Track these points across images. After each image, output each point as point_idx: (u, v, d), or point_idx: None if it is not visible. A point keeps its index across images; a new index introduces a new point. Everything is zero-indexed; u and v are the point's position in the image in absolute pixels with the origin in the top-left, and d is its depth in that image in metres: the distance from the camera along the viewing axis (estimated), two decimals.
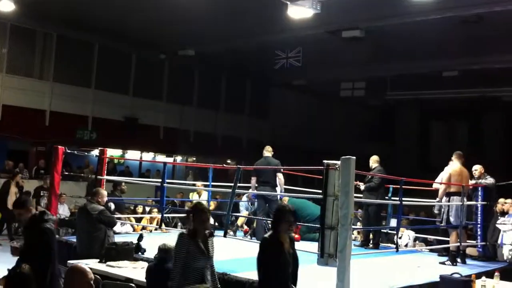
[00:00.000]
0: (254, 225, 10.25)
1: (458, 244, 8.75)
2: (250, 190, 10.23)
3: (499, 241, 9.59)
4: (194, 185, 13.27)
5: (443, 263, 8.65)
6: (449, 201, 8.77)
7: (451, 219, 8.71)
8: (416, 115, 26.92)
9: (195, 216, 4.97)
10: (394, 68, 18.89)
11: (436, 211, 9.67)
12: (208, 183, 10.77)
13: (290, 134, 23.01)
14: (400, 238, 10.28)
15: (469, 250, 9.61)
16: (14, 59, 16.50)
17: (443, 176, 9.59)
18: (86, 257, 6.79)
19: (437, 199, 9.20)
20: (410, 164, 23.66)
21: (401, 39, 15.66)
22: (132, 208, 13.16)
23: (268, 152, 9.84)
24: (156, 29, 16.65)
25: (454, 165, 8.86)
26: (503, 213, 9.65)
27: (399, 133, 27.63)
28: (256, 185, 9.67)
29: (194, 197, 12.31)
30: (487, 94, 19.75)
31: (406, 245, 11.08)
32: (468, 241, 9.52)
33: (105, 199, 7.70)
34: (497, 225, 9.50)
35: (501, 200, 9.79)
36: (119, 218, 9.79)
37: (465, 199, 8.87)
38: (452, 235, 8.83)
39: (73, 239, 8.09)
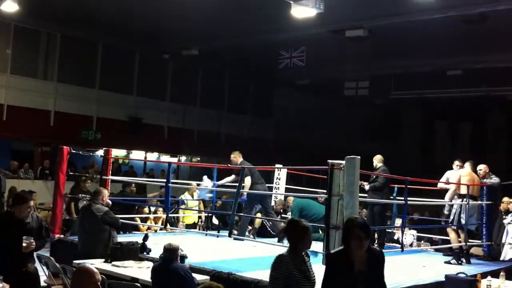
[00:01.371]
0: (255, 224, 10.24)
1: (463, 243, 8.76)
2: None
3: (503, 240, 9.61)
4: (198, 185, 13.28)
5: (448, 262, 8.65)
6: (461, 202, 8.81)
7: (462, 221, 8.73)
8: (420, 114, 26.88)
9: (295, 233, 4.30)
10: (398, 67, 18.85)
11: (446, 212, 9.65)
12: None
13: (293, 133, 23.00)
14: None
15: (474, 250, 9.61)
16: (18, 59, 16.54)
17: (450, 176, 9.62)
18: (89, 257, 6.80)
19: (446, 199, 9.24)
20: (414, 163, 23.63)
21: (404, 38, 15.64)
22: (136, 208, 13.18)
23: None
24: (160, 29, 16.68)
25: (466, 169, 8.96)
26: (508, 212, 9.66)
27: (403, 132, 27.59)
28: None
29: (186, 196, 12.31)
30: (491, 93, 19.67)
31: (411, 245, 11.07)
32: (473, 240, 9.52)
33: (107, 198, 7.71)
34: (507, 224, 9.53)
35: (505, 199, 9.79)
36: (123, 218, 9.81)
37: (475, 201, 8.93)
38: (455, 234, 8.84)
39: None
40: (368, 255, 4.00)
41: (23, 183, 15.16)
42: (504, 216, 9.72)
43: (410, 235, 11.39)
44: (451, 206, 9.15)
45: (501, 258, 9.44)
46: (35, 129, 16.72)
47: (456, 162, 9.51)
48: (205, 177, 10.73)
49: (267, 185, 10.64)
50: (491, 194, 9.53)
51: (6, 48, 16.33)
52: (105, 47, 18.36)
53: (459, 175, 8.90)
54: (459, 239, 8.80)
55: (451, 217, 8.96)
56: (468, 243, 8.80)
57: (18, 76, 16.47)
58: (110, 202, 7.78)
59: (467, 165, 9.23)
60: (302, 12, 11.70)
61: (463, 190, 8.89)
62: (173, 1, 13.61)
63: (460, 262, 8.54)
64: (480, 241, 9.60)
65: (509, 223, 9.55)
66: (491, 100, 20.89)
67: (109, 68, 18.48)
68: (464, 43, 15.64)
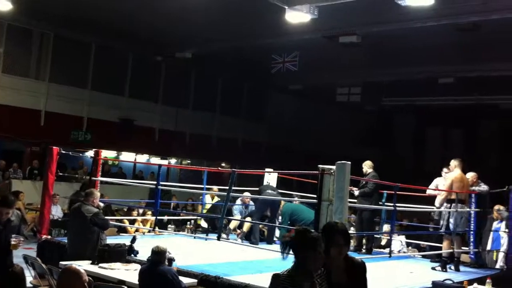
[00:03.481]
0: (244, 228, 10.26)
1: (451, 250, 8.78)
2: (245, 193, 10.24)
3: (488, 247, 9.67)
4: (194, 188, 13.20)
5: (433, 268, 8.68)
6: (450, 208, 8.80)
7: (451, 226, 8.75)
8: (412, 121, 27.00)
9: (303, 249, 3.44)
10: (390, 74, 18.94)
11: (436, 217, 9.67)
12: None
13: (285, 137, 23.03)
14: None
15: (461, 257, 9.64)
16: (10, 58, 16.44)
17: (439, 183, 9.64)
18: (77, 258, 6.75)
19: (437, 205, 9.25)
20: (404, 169, 23.70)
21: (397, 45, 15.72)
22: (125, 209, 13.13)
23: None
24: (154, 31, 16.65)
25: (455, 172, 8.90)
26: (501, 220, 9.73)
27: (394, 139, 27.69)
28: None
29: (207, 200, 12.18)
30: (482, 102, 19.80)
31: (399, 251, 11.10)
32: (464, 248, 9.55)
33: (98, 200, 7.68)
34: (500, 232, 9.58)
35: (498, 207, 9.83)
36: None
37: (465, 206, 8.93)
38: (447, 241, 8.86)
39: (65, 240, 8.06)
40: (347, 265, 3.68)
41: (12, 183, 15.07)
42: (497, 224, 9.76)
43: (398, 241, 11.41)
44: (441, 212, 9.17)
45: (496, 266, 9.49)
46: (25, 128, 16.61)
47: (445, 170, 9.55)
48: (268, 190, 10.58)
49: (257, 188, 10.69)
50: (480, 201, 9.56)
51: None
52: (98, 47, 18.29)
53: (451, 180, 8.87)
54: (452, 246, 8.81)
55: (441, 222, 8.97)
56: (455, 250, 8.81)
57: (9, 75, 16.38)
58: (102, 204, 7.73)
59: (455, 164, 9.07)
60: (296, 17, 11.76)
61: (453, 195, 8.90)
62: (167, 3, 13.60)
63: (445, 269, 8.55)
64: (467, 248, 9.63)
65: (503, 231, 9.59)
66: (483, 108, 21.03)
67: (101, 69, 18.40)
68: (456, 51, 15.75)
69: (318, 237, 3.48)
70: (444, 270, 8.52)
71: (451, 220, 8.73)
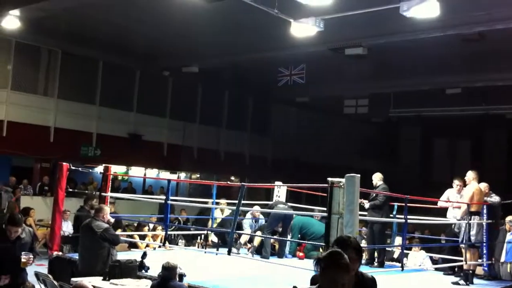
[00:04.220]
0: (255, 242, 10.24)
1: (472, 263, 8.72)
2: (255, 207, 10.21)
3: (502, 259, 9.58)
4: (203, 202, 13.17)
5: (456, 283, 8.57)
6: (470, 220, 8.78)
7: (472, 238, 8.70)
8: (419, 132, 26.94)
9: (325, 270, 3.12)
10: (397, 85, 18.93)
11: (456, 230, 9.60)
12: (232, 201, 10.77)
13: (292, 150, 23.02)
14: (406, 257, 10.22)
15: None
16: (19, 75, 16.57)
17: (450, 195, 9.57)
18: (88, 274, 6.76)
19: (457, 217, 9.21)
20: (412, 181, 23.61)
21: (404, 56, 15.74)
22: (135, 225, 13.13)
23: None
24: (160, 46, 16.78)
25: (475, 184, 8.91)
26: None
27: (402, 150, 27.62)
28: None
29: (216, 214, 12.16)
30: (490, 112, 19.76)
31: (420, 265, 10.91)
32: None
33: (109, 216, 7.69)
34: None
35: (510, 218, 9.76)
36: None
37: (482, 219, 8.89)
38: (469, 253, 8.80)
39: (76, 256, 8.07)
40: (357, 280, 3.58)
41: (22, 199, 15.13)
42: (510, 235, 9.68)
43: (419, 257, 11.20)
44: (460, 224, 9.12)
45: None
46: (35, 145, 16.71)
47: (456, 182, 9.49)
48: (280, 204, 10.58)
49: (266, 202, 10.68)
50: (491, 212, 9.50)
51: (7, 64, 16.38)
52: (106, 63, 18.42)
53: (472, 192, 8.85)
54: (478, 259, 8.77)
55: (462, 236, 8.92)
56: (468, 263, 8.74)
57: (18, 92, 16.50)
58: (112, 220, 7.75)
59: (472, 177, 9.08)
60: (302, 30, 11.80)
61: (474, 208, 8.87)
62: (174, 19, 13.72)
63: (468, 282, 8.46)
64: (481, 260, 9.55)
65: (509, 242, 9.51)
66: (490, 118, 20.96)
67: (109, 85, 18.51)
68: (463, 61, 15.76)
69: (348, 264, 3.13)
70: (468, 283, 8.43)
71: (472, 232, 8.70)
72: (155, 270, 6.67)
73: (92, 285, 3.63)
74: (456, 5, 11.35)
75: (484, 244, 9.40)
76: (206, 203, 12.25)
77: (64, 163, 9.18)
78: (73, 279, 6.45)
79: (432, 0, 9.94)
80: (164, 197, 10.03)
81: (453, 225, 9.77)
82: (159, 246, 10.56)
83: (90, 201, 11.00)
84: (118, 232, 10.08)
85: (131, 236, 11.42)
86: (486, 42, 13.69)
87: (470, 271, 8.74)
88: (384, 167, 17.88)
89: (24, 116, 16.52)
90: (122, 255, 8.02)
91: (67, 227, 13.00)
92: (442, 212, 10.00)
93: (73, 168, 9.53)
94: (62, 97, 17.42)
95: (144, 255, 7.55)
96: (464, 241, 8.80)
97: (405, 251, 9.77)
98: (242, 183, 9.15)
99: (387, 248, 10.44)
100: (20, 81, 16.58)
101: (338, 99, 21.41)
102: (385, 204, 9.69)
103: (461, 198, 9.30)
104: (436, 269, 10.26)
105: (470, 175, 9.03)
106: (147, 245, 11.11)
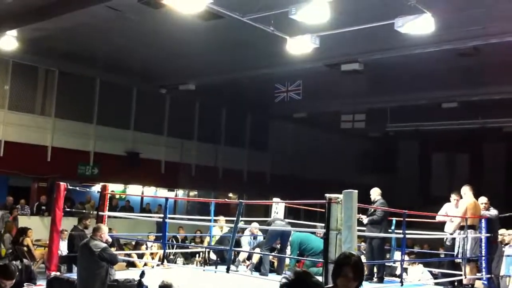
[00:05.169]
0: (253, 259, 10.19)
1: (471, 277, 8.69)
2: (253, 224, 10.17)
3: (502, 273, 9.54)
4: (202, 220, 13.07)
5: None
6: (464, 234, 8.75)
7: (468, 252, 8.67)
8: (416, 146, 26.99)
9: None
10: (393, 100, 19.00)
11: (448, 243, 9.58)
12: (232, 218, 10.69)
13: (290, 166, 23.02)
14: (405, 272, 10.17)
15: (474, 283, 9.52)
16: (16, 95, 16.64)
17: (448, 209, 9.56)
18: None
19: (450, 231, 9.19)
20: (410, 195, 23.60)
21: (400, 71, 15.80)
22: (133, 243, 13.06)
23: None
24: (157, 64, 16.84)
25: (469, 199, 8.89)
26: (507, 244, 9.63)
27: (399, 165, 27.64)
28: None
29: (215, 232, 12.03)
30: (487, 125, 19.81)
31: (419, 280, 10.87)
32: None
33: (107, 235, 7.65)
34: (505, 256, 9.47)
35: (502, 231, 9.75)
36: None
37: (477, 232, 8.87)
38: (467, 268, 8.76)
39: (74, 276, 8.01)
40: None
41: (20, 219, 15.05)
42: (503, 248, 9.66)
43: (419, 271, 11.15)
44: (454, 238, 9.10)
45: None
46: (32, 164, 16.69)
47: (454, 196, 9.50)
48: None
49: (264, 218, 10.63)
50: (490, 226, 9.49)
51: (4, 84, 16.43)
52: (103, 82, 18.48)
53: (465, 207, 8.83)
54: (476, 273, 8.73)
55: (457, 250, 8.89)
56: (468, 277, 8.71)
57: (16, 112, 16.54)
58: (110, 239, 7.71)
59: (467, 192, 9.09)
60: (298, 47, 11.84)
61: (469, 222, 8.85)
62: (170, 37, 13.79)
63: None
64: (480, 274, 9.52)
65: (508, 255, 9.49)
66: (487, 131, 21.01)
67: (106, 103, 18.56)
68: (458, 76, 15.82)
69: (320, 284, 3.00)
70: None
71: (467, 247, 8.68)
72: None
73: None
74: (451, 20, 11.42)
75: (483, 258, 9.37)
76: (204, 221, 12.18)
77: (61, 183, 9.14)
78: None
79: (427, 15, 9.97)
80: (162, 215, 9.98)
81: (445, 239, 9.77)
82: (157, 265, 10.50)
83: (84, 220, 10.97)
84: (113, 250, 10.04)
85: (129, 255, 11.35)
86: (482, 56, 13.76)
87: (470, 285, 8.70)
88: (382, 182, 17.85)
89: (21, 136, 16.54)
90: (121, 274, 7.97)
91: (64, 247, 12.93)
92: (441, 226, 9.98)
93: (71, 187, 9.50)
94: (59, 116, 17.46)
95: (142, 274, 7.49)
96: (461, 255, 8.76)
97: (404, 266, 9.72)
98: (240, 201, 9.13)
99: (386, 263, 10.39)
100: (17, 101, 16.64)
101: (335, 114, 21.48)
102: (383, 219, 9.65)
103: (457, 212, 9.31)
104: (436, 283, 10.22)
105: (464, 189, 9.05)
106: (145, 264, 11.04)
